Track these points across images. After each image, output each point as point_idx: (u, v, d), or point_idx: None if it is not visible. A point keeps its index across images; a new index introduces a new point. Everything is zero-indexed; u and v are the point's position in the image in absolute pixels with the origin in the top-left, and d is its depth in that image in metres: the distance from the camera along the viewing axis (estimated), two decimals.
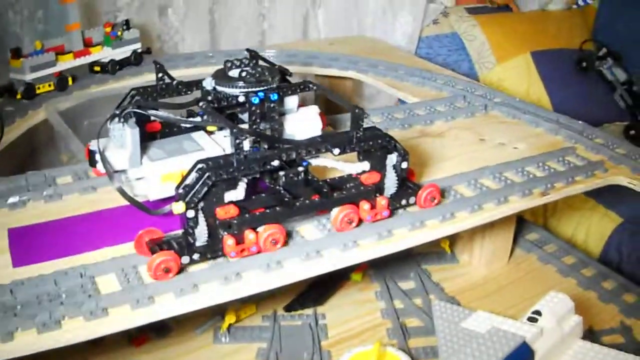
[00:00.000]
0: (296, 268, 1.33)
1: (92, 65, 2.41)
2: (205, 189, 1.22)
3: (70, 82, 2.31)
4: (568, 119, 2.11)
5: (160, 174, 1.37)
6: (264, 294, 1.32)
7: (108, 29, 2.42)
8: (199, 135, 1.49)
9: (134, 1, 2.95)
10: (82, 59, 2.35)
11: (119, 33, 2.45)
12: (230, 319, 1.89)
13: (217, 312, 1.91)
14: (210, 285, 1.26)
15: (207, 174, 1.22)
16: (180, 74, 2.42)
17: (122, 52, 2.48)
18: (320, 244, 1.38)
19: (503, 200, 1.61)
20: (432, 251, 2.28)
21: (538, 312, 1.58)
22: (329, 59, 2.67)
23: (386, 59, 2.67)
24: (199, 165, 1.25)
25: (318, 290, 2.04)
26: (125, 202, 1.33)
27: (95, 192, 1.58)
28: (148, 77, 2.44)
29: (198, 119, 1.49)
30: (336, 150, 1.38)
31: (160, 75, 1.58)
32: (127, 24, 2.50)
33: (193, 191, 1.22)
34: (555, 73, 3.81)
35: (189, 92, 1.60)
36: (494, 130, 2.03)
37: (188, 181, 1.24)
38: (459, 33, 3.77)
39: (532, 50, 3.80)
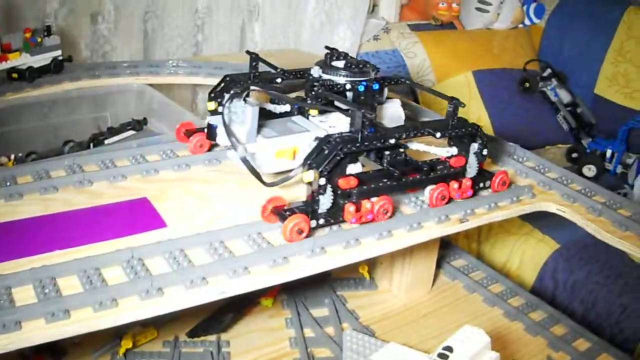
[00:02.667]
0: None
1: (10, 71, 2.27)
2: (338, 159, 1.37)
3: None
4: (498, 140, 1.99)
5: (275, 149, 1.52)
6: (167, 317, 1.23)
7: (28, 35, 2.28)
8: (298, 119, 1.63)
9: (63, 8, 2.83)
10: None
11: (39, 39, 2.31)
12: (126, 343, 1.78)
13: (115, 336, 1.80)
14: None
15: (340, 146, 1.37)
16: (101, 83, 2.42)
17: (41, 59, 2.33)
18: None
19: (416, 226, 1.51)
20: (349, 277, 2.18)
21: (449, 348, 1.47)
22: (235, 69, 2.53)
23: None
24: (331, 140, 1.39)
25: (224, 315, 1.93)
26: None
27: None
28: (68, 86, 2.36)
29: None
30: (438, 134, 1.56)
31: (253, 64, 1.76)
32: (48, 30, 2.37)
33: (326, 162, 1.35)
34: (497, 93, 3.75)
35: (277, 80, 1.78)
36: None
37: (315, 154, 1.37)
38: (399, 49, 3.69)
39: (474, 69, 3.73)
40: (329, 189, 1.38)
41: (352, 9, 3.50)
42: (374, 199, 1.44)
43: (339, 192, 1.40)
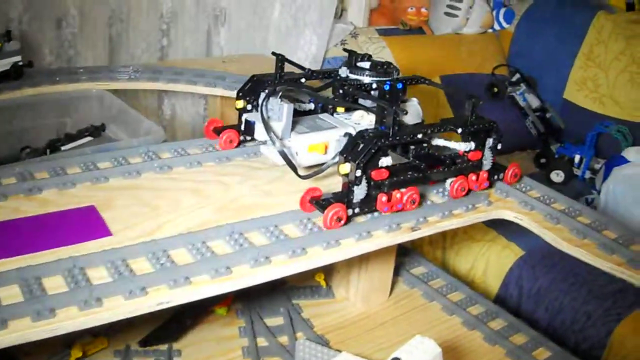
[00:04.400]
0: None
1: None
2: (373, 151, 1.46)
3: None
4: None
5: (308, 144, 1.63)
6: (119, 326, 1.38)
7: None
8: (325, 117, 1.75)
9: (27, 13, 2.80)
10: None
11: None
12: (76, 353, 1.74)
13: (65, 345, 1.76)
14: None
15: (374, 141, 1.46)
16: (60, 89, 2.40)
17: (1, 65, 2.30)
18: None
19: (366, 235, 1.48)
20: (306, 285, 2.14)
21: None
22: (196, 75, 2.59)
23: None
24: (365, 134, 1.48)
25: (177, 323, 1.90)
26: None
27: None
28: (28, 92, 2.34)
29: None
30: (459, 130, 1.65)
31: (280, 64, 1.84)
32: (8, 35, 2.34)
33: (362, 154, 1.44)
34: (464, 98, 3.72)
35: (302, 80, 1.86)
36: None
37: (351, 148, 1.47)
38: None
39: (442, 74, 3.71)
40: (363, 180, 1.47)
41: (319, 14, 3.48)
42: (402, 190, 1.53)
43: (372, 183, 1.49)
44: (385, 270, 2.08)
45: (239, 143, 1.83)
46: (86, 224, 1.44)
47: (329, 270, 2.16)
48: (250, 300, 2.02)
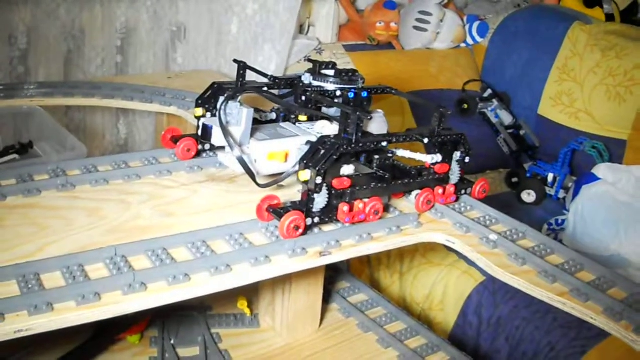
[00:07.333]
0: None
1: None
2: (334, 158, 1.42)
3: None
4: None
5: (267, 152, 1.58)
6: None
7: None
8: (286, 125, 1.70)
9: None
10: None
11: None
12: None
13: None
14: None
15: (336, 147, 1.42)
16: None
17: None
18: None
19: (263, 260, 1.35)
20: (230, 313, 2.02)
21: None
22: (133, 90, 2.45)
23: None
24: (327, 141, 1.45)
25: (83, 354, 1.78)
26: None
27: None
28: None
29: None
30: (426, 140, 1.62)
31: (241, 72, 1.77)
32: None
33: (323, 161, 1.40)
34: (431, 115, 3.59)
35: (264, 89, 1.79)
36: None
37: (312, 154, 1.43)
38: None
39: (408, 90, 3.56)
40: (324, 188, 1.43)
41: (278, 30, 3.39)
42: (365, 200, 1.50)
43: (333, 192, 1.45)
44: (313, 297, 1.95)
45: (198, 153, 1.78)
46: None
47: (254, 297, 2.04)
48: (167, 327, 1.92)
